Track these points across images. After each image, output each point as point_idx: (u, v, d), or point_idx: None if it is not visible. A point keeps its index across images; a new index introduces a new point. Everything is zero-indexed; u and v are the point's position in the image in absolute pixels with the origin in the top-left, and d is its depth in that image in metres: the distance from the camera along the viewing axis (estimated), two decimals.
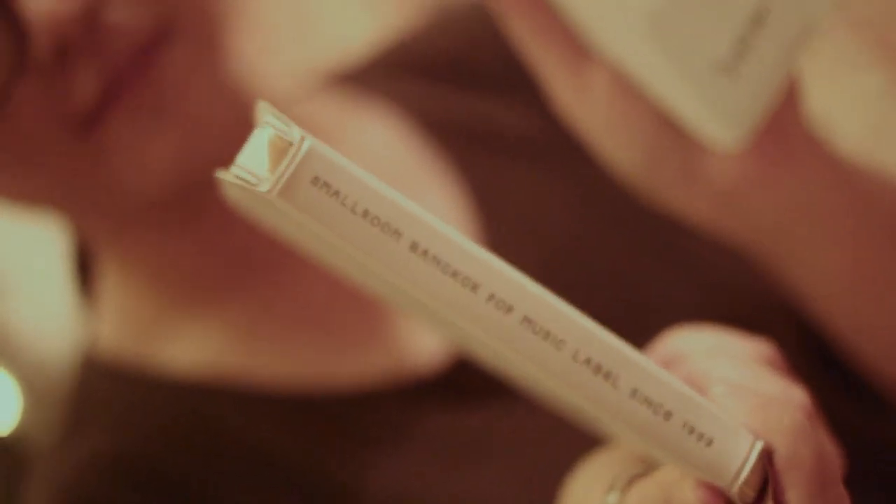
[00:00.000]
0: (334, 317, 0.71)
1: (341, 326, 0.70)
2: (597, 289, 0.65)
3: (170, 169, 0.62)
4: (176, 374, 0.70)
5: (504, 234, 0.70)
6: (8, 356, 1.29)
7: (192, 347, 0.70)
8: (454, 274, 0.39)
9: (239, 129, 0.54)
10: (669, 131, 0.54)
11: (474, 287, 0.39)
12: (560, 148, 0.67)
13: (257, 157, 0.40)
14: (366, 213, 0.38)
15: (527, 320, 0.39)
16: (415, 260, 0.39)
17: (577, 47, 0.53)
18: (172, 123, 0.61)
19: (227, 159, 0.52)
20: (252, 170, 0.39)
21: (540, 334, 0.39)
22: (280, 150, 0.38)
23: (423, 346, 0.69)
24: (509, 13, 0.54)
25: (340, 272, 0.53)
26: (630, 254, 0.71)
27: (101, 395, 0.72)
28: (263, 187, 0.38)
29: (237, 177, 0.39)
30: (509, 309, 0.39)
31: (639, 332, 0.45)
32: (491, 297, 0.39)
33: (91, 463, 0.67)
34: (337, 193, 0.38)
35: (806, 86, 0.54)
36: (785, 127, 0.53)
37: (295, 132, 0.38)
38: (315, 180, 0.38)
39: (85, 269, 0.78)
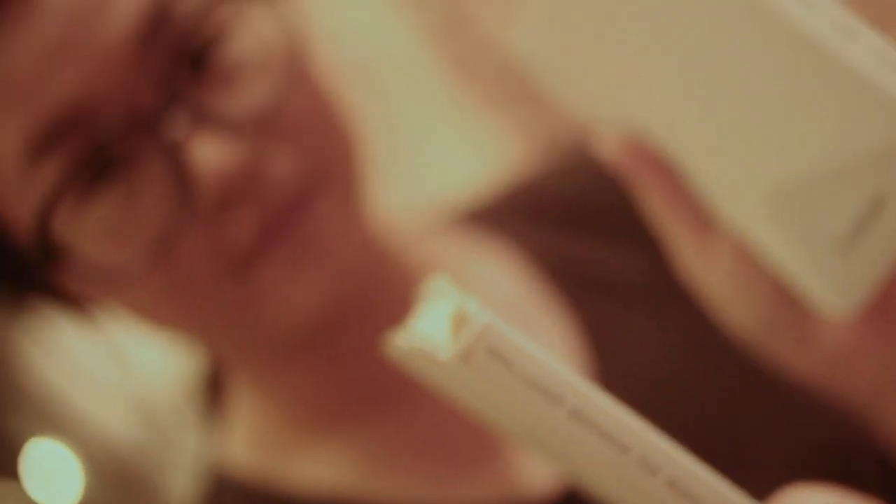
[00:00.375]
0: (452, 446, 0.73)
1: (458, 455, 0.73)
2: (704, 438, 0.62)
3: (315, 310, 0.66)
4: (301, 495, 0.72)
5: (617, 379, 0.72)
6: (70, 432, 1.31)
7: (318, 470, 0.73)
8: (609, 439, 0.43)
9: (375, 270, 0.67)
10: (786, 300, 0.57)
11: (626, 450, 0.43)
12: (673, 295, 0.70)
13: (437, 325, 0.44)
14: (533, 382, 0.42)
15: (672, 482, 0.43)
16: (574, 425, 0.43)
17: (702, 216, 0.57)
18: (320, 268, 0.65)
19: (362, 301, 0.63)
20: (431, 337, 0.44)
21: (684, 496, 0.43)
22: (460, 320, 0.42)
23: (535, 475, 0.71)
24: (640, 181, 0.57)
25: (496, 428, 0.56)
26: (738, 405, 0.74)
27: None
28: (444, 355, 0.42)
29: (416, 343, 0.44)
30: (656, 472, 0.43)
31: (742, 483, 0.47)
32: (641, 459, 0.43)
33: None
34: (508, 363, 0.42)
35: None
36: (890, 299, 0.56)
37: (473, 306, 0.42)
38: (490, 350, 0.42)
39: (214, 390, 0.81)
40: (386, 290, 0.71)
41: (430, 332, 0.44)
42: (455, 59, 1.63)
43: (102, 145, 0.60)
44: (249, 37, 0.63)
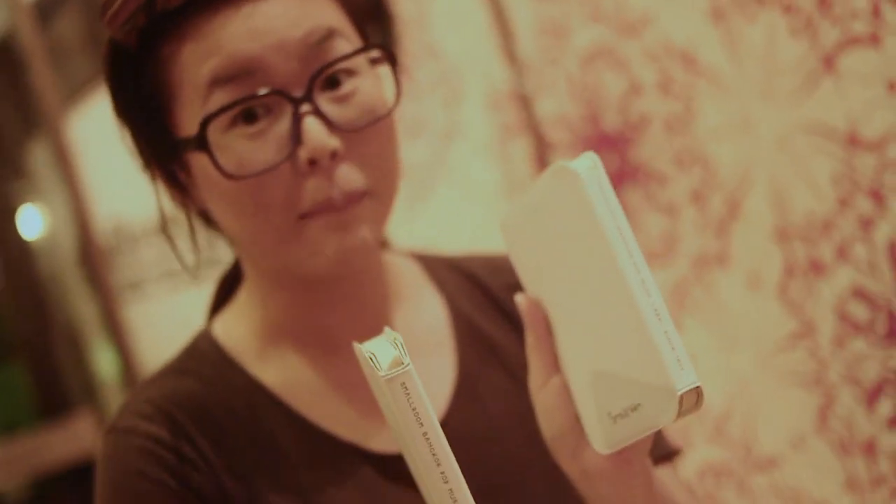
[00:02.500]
0: (360, 399, 1.09)
1: (360, 405, 1.09)
2: (504, 468, 1.08)
3: (327, 268, 1.02)
4: (255, 378, 1.08)
5: (471, 402, 1.10)
6: None
7: (269, 371, 1.09)
8: (438, 463, 0.82)
9: (373, 267, 1.12)
10: (575, 428, 0.94)
11: (439, 463, 0.82)
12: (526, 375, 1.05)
13: (385, 352, 0.83)
14: (416, 413, 0.81)
15: (448, 484, 0.83)
16: (426, 443, 0.81)
17: (552, 357, 0.95)
18: (348, 240, 1.00)
19: (354, 281, 1.10)
20: (378, 356, 0.83)
21: (447, 484, 0.82)
22: (397, 361, 0.81)
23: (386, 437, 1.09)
24: (529, 322, 0.95)
25: (386, 416, 0.92)
26: (530, 460, 1.09)
27: (207, 360, 1.10)
28: (381, 373, 0.82)
29: (371, 355, 0.83)
30: (446, 480, 0.82)
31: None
32: (443, 474, 0.82)
33: (177, 393, 1.05)
34: (409, 396, 0.82)
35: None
36: (633, 451, 0.94)
37: (406, 358, 0.82)
38: (403, 385, 0.81)
39: (233, 280, 1.17)
40: (367, 282, 1.10)
41: (378, 352, 0.84)
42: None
43: (258, 95, 0.96)
44: (365, 82, 1.01)
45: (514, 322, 1.16)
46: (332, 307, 1.08)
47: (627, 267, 0.83)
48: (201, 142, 0.96)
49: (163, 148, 1.03)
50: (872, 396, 1.67)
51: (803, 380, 1.74)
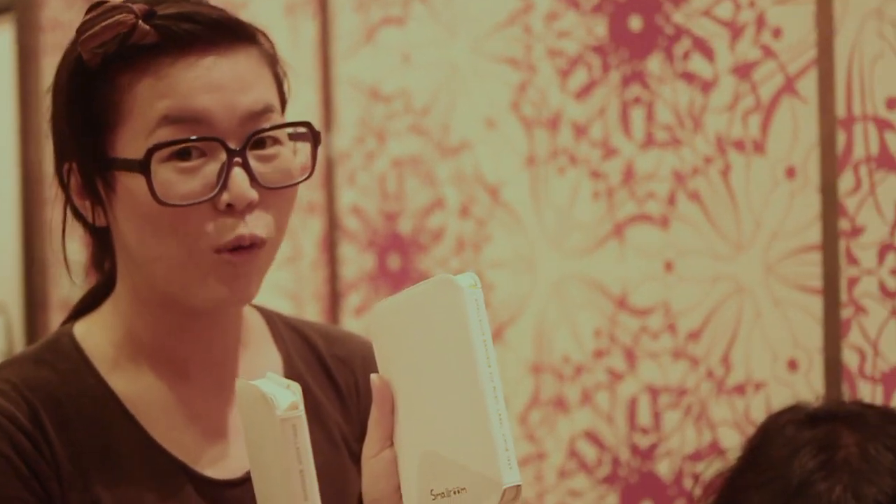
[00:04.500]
0: (206, 428, 1.20)
1: (208, 435, 1.19)
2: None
3: (218, 304, 1.14)
4: (106, 383, 1.17)
5: None
6: None
7: (124, 381, 1.18)
8: (305, 498, 1.00)
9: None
10: (395, 496, 1.04)
11: (306, 498, 1.00)
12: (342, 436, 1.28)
13: (280, 394, 0.99)
14: (298, 452, 0.98)
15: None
16: (300, 478, 0.99)
17: (389, 433, 1.05)
18: (241, 286, 1.13)
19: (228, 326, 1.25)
20: (273, 396, 0.98)
21: None
22: (294, 405, 0.98)
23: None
24: (375, 395, 1.05)
25: (250, 449, 1.06)
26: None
27: (64, 356, 1.17)
28: (278, 412, 0.97)
29: (266, 394, 0.99)
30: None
31: None
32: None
33: (33, 379, 1.14)
34: (296, 437, 0.98)
35: None
36: None
37: (301, 406, 0.99)
38: (293, 427, 0.98)
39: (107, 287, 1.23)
40: (227, 323, 1.21)
41: (272, 392, 0.99)
42: None
43: (203, 138, 1.09)
44: (286, 150, 1.14)
45: (338, 389, 1.29)
46: (191, 337, 1.19)
47: (484, 373, 0.97)
48: (144, 167, 1.07)
49: (92, 161, 1.12)
50: None
51: None
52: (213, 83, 1.10)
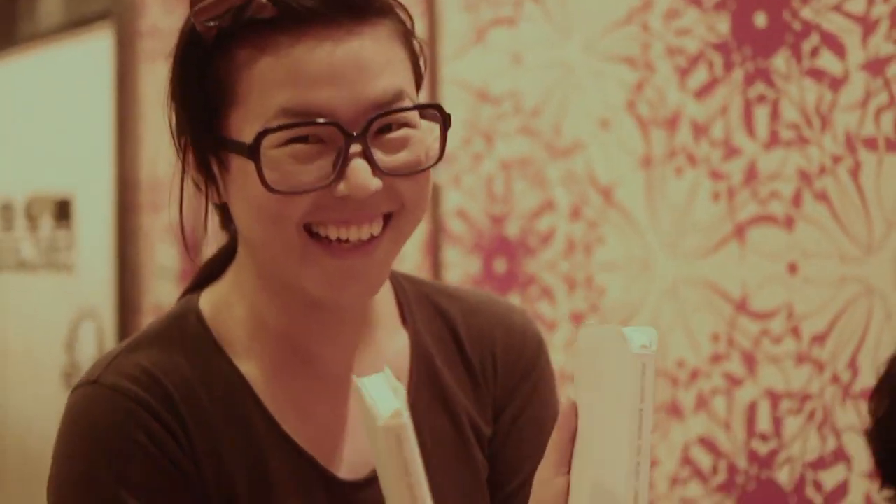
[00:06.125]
0: (331, 420, 1.15)
1: (327, 432, 1.14)
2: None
3: (327, 300, 1.08)
4: (237, 369, 1.12)
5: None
6: None
7: (252, 367, 1.13)
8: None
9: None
10: None
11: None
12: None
13: (384, 397, 0.90)
14: (405, 462, 0.88)
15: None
16: (408, 491, 0.89)
17: (567, 459, 1.00)
18: (349, 286, 1.06)
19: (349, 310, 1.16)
20: (377, 399, 0.89)
21: None
22: (397, 413, 0.88)
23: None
24: (561, 418, 1.00)
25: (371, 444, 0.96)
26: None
27: (194, 338, 1.13)
28: (379, 422, 0.88)
29: (370, 398, 0.90)
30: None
31: None
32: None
33: (165, 363, 1.10)
34: (401, 447, 0.88)
35: None
36: None
37: (406, 412, 0.88)
38: (396, 436, 0.88)
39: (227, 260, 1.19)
40: (355, 307, 1.14)
41: (377, 394, 0.90)
42: None
43: (317, 122, 1.01)
44: (416, 134, 1.06)
45: (470, 368, 1.21)
46: (316, 324, 1.13)
47: (632, 445, 0.93)
48: (253, 152, 1.01)
49: (206, 139, 1.07)
50: None
51: None
52: (337, 72, 1.02)
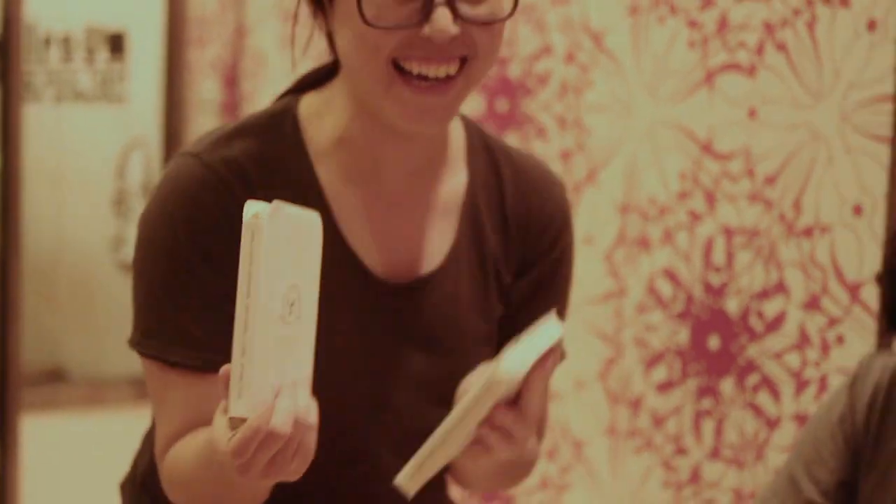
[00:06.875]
0: (390, 234, 1.30)
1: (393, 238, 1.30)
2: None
3: (403, 129, 1.22)
4: (316, 177, 1.28)
5: (441, 281, 1.32)
6: None
7: (330, 173, 1.28)
8: None
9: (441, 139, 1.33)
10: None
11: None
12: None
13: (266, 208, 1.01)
14: (251, 258, 1.01)
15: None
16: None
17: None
18: (425, 121, 1.20)
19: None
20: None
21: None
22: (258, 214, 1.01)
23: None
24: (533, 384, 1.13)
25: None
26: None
27: (286, 137, 1.28)
28: (245, 218, 1.02)
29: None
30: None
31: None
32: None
33: (255, 153, 1.26)
34: (254, 239, 1.02)
35: None
36: None
37: (267, 215, 1.01)
38: (248, 225, 1.01)
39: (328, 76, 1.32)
40: (433, 143, 1.29)
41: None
42: None
43: None
44: None
45: (505, 219, 1.35)
46: (391, 141, 1.27)
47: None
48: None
49: None
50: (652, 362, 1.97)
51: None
52: None
